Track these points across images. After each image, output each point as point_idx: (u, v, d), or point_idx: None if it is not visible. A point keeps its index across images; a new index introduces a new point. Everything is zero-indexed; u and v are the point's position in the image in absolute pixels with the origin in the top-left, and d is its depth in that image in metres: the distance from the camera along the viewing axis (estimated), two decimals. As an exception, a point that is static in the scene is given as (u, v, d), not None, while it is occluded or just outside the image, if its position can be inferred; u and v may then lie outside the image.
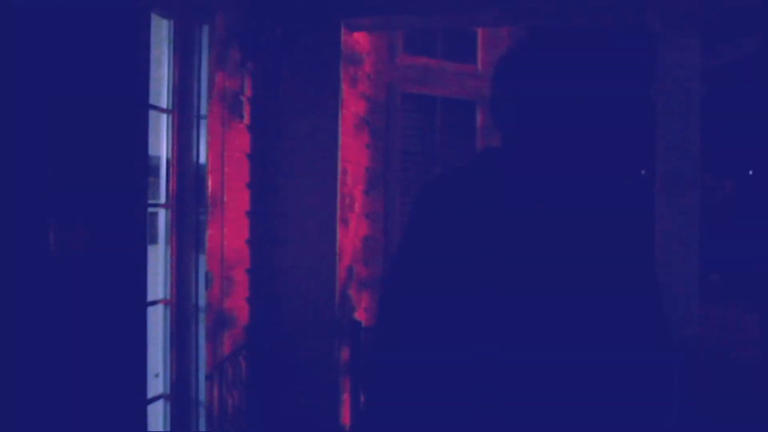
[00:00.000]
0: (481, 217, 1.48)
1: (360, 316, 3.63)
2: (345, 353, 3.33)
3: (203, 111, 2.74)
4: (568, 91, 1.43)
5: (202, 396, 2.79)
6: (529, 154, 1.46)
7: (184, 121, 2.72)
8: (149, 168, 2.52)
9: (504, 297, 1.43)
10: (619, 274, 1.45)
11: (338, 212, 3.20)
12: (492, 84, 1.51)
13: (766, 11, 3.13)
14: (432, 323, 1.50)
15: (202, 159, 2.75)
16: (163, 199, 2.69)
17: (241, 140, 2.96)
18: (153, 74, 2.58)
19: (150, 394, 2.52)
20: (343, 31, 3.22)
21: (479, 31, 4.06)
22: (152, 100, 2.48)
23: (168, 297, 2.71)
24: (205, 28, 2.73)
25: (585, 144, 1.49)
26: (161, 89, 2.64)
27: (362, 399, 2.33)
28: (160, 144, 2.66)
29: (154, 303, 2.62)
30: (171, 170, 2.69)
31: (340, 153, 3.22)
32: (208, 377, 2.78)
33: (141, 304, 2.05)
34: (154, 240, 2.64)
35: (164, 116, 2.66)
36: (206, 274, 2.75)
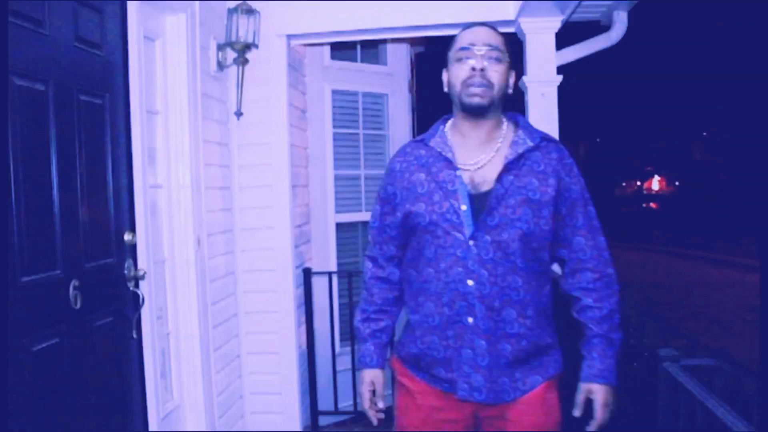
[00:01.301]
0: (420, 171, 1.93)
1: (309, 263, 4.46)
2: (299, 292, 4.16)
3: (185, 111, 3.39)
4: None
5: (196, 331, 3.57)
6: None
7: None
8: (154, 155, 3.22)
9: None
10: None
11: (290, 185, 4.01)
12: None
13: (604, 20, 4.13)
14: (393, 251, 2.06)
15: (186, 148, 3.40)
16: (161, 181, 3.33)
17: (212, 132, 3.73)
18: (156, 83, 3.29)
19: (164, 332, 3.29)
20: (288, 45, 3.99)
21: (387, 41, 4.91)
22: (149, 106, 3.17)
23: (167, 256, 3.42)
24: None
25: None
26: (155, 96, 3.30)
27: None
28: (156, 137, 3.31)
29: (162, 262, 3.38)
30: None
31: (288, 137, 3.98)
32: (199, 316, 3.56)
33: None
34: (156, 212, 3.32)
35: (157, 117, 3.33)
36: (197, 237, 3.52)
